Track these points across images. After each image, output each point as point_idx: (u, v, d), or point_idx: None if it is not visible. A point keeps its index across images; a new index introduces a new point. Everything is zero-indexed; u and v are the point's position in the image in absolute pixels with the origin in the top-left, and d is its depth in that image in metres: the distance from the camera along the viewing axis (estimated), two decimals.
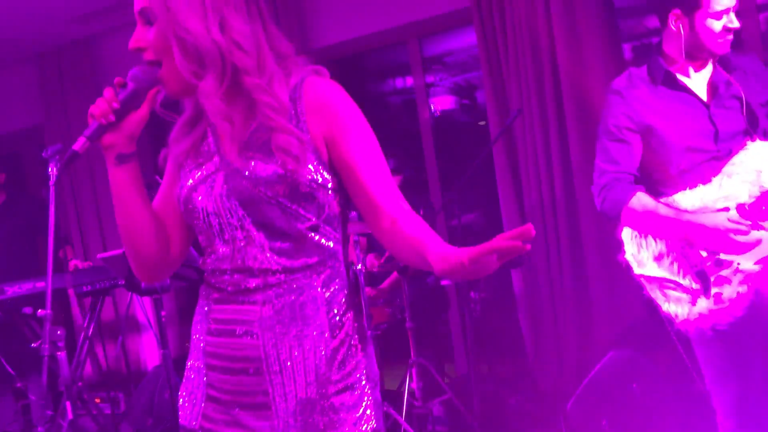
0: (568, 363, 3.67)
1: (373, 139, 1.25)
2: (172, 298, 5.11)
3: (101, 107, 1.19)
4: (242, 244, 1.22)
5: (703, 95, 2.08)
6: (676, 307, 1.98)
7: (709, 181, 1.98)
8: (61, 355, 2.34)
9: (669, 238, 1.98)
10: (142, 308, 4.29)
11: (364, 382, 1.26)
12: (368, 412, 1.25)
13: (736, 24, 2.02)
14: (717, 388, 2.06)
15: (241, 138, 1.22)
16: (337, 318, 1.24)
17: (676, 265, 1.99)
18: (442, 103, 6.73)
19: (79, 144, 1.19)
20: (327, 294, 1.24)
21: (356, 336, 1.27)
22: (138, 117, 1.23)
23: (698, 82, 2.09)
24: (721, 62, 2.10)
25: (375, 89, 6.86)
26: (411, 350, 3.16)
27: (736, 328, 1.89)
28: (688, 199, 1.99)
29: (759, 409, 1.98)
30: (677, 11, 2.02)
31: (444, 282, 3.64)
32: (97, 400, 4.38)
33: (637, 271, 2.08)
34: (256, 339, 1.22)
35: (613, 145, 2.12)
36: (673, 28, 2.05)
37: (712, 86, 2.08)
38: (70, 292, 4.19)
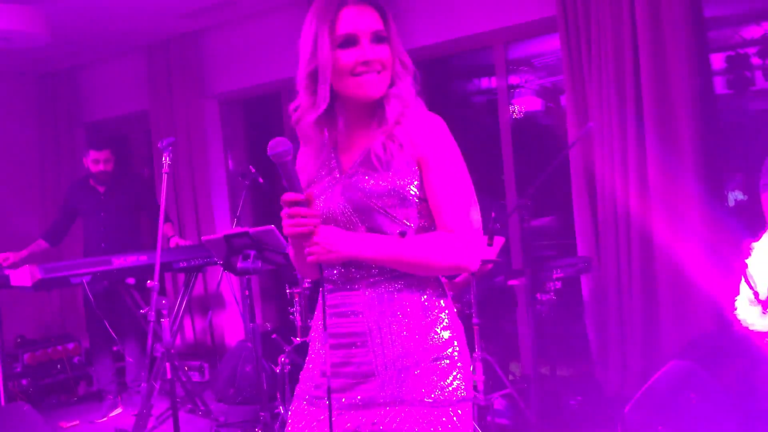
0: (632, 369, 3.72)
1: (457, 172, 1.46)
2: (256, 280, 5.43)
3: (300, 231, 1.40)
4: None
5: None
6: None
7: None
8: (165, 322, 2.64)
9: None
10: (231, 287, 4.61)
11: (456, 355, 1.46)
12: (458, 379, 1.44)
13: None
14: None
15: (369, 146, 1.46)
16: (429, 301, 1.46)
17: None
18: (526, 104, 6.76)
19: None
20: (418, 280, 1.46)
21: (449, 317, 1.48)
22: (313, 211, 1.42)
23: None
24: None
25: (460, 89, 6.97)
26: (476, 345, 3.31)
27: None
28: None
29: None
30: None
31: (511, 282, 3.76)
32: (185, 369, 4.76)
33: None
34: (361, 317, 1.45)
35: None
36: None
37: None
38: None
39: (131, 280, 3.96)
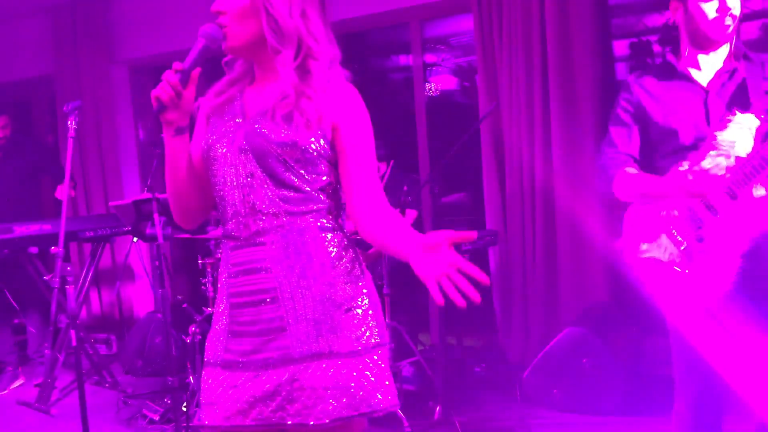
0: (533, 337, 3.93)
1: (370, 141, 1.51)
2: (168, 251, 5.34)
3: (167, 91, 1.42)
4: (251, 189, 1.46)
5: (707, 80, 2.09)
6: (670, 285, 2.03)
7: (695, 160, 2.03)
8: (70, 289, 2.58)
9: (662, 195, 2.05)
10: (140, 258, 4.52)
11: (367, 302, 1.49)
12: (371, 326, 1.48)
13: (732, 5, 2.01)
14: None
15: (274, 105, 1.47)
16: (336, 253, 1.48)
17: (672, 238, 2.05)
18: (443, 82, 6.89)
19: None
20: (325, 234, 1.48)
21: (357, 267, 1.51)
22: (189, 95, 1.46)
23: (706, 70, 2.11)
24: (736, 53, 2.10)
25: (378, 65, 7.01)
26: (386, 315, 3.41)
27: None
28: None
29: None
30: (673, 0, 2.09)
31: None
32: (92, 341, 4.64)
33: (631, 256, 2.13)
34: (269, 272, 1.45)
35: (614, 129, 2.22)
36: (674, 17, 2.11)
37: (718, 75, 2.09)
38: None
39: (34, 249, 3.82)
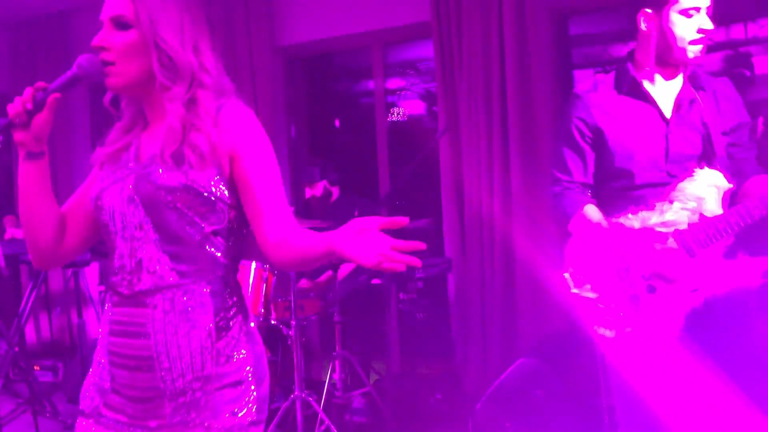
0: (491, 366, 3.86)
1: (272, 162, 1.41)
2: None
3: (16, 107, 1.32)
4: (140, 243, 1.36)
5: (667, 110, 2.02)
6: (604, 330, 2.00)
7: (653, 206, 1.98)
8: None
9: (609, 257, 1.99)
10: (85, 283, 4.37)
11: (250, 378, 1.41)
12: (250, 405, 1.40)
13: (708, 26, 1.95)
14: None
15: (163, 145, 1.37)
16: (224, 321, 1.39)
17: (611, 288, 2.00)
18: (410, 107, 6.88)
19: None
20: (214, 299, 1.38)
21: (243, 338, 1.42)
22: (42, 120, 1.34)
23: (665, 93, 2.04)
24: (692, 79, 2.03)
25: (346, 89, 6.99)
26: (336, 344, 3.31)
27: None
28: (630, 222, 1.99)
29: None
30: (647, 10, 1.99)
31: (374, 281, 3.80)
32: (36, 368, 4.46)
33: (573, 290, 2.09)
34: (148, 339, 1.35)
35: (568, 153, 2.12)
36: (643, 28, 2.01)
37: (677, 102, 2.01)
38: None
39: None
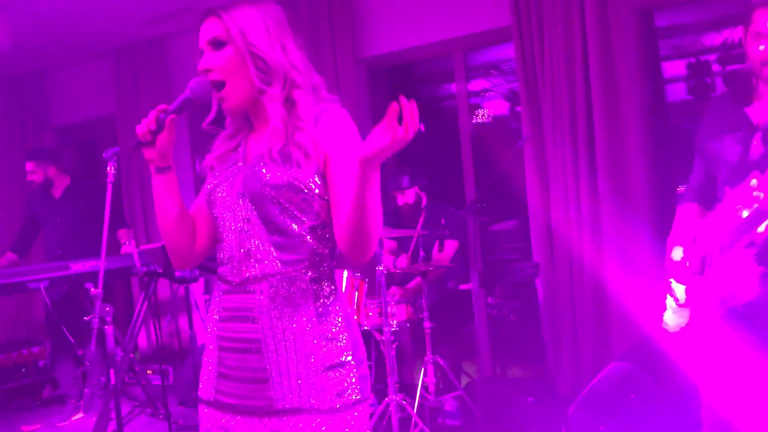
0: (584, 369, 3.82)
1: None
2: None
3: (142, 128, 1.51)
4: (247, 234, 1.49)
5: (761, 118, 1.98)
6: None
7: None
8: (108, 329, 2.68)
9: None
10: (191, 291, 4.64)
11: (350, 359, 1.50)
12: (353, 383, 1.49)
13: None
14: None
15: (270, 145, 1.50)
16: (323, 307, 1.50)
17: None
18: (494, 107, 6.85)
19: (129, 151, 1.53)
20: (314, 287, 1.49)
21: (343, 322, 1.52)
22: (164, 139, 1.52)
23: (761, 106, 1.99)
24: None
25: (427, 94, 7.04)
26: (427, 348, 3.38)
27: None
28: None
29: None
30: (742, 27, 1.97)
31: (462, 286, 3.84)
32: (149, 372, 4.78)
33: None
34: (256, 323, 1.48)
35: (696, 158, 2.16)
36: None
37: None
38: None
39: (89, 285, 3.97)
